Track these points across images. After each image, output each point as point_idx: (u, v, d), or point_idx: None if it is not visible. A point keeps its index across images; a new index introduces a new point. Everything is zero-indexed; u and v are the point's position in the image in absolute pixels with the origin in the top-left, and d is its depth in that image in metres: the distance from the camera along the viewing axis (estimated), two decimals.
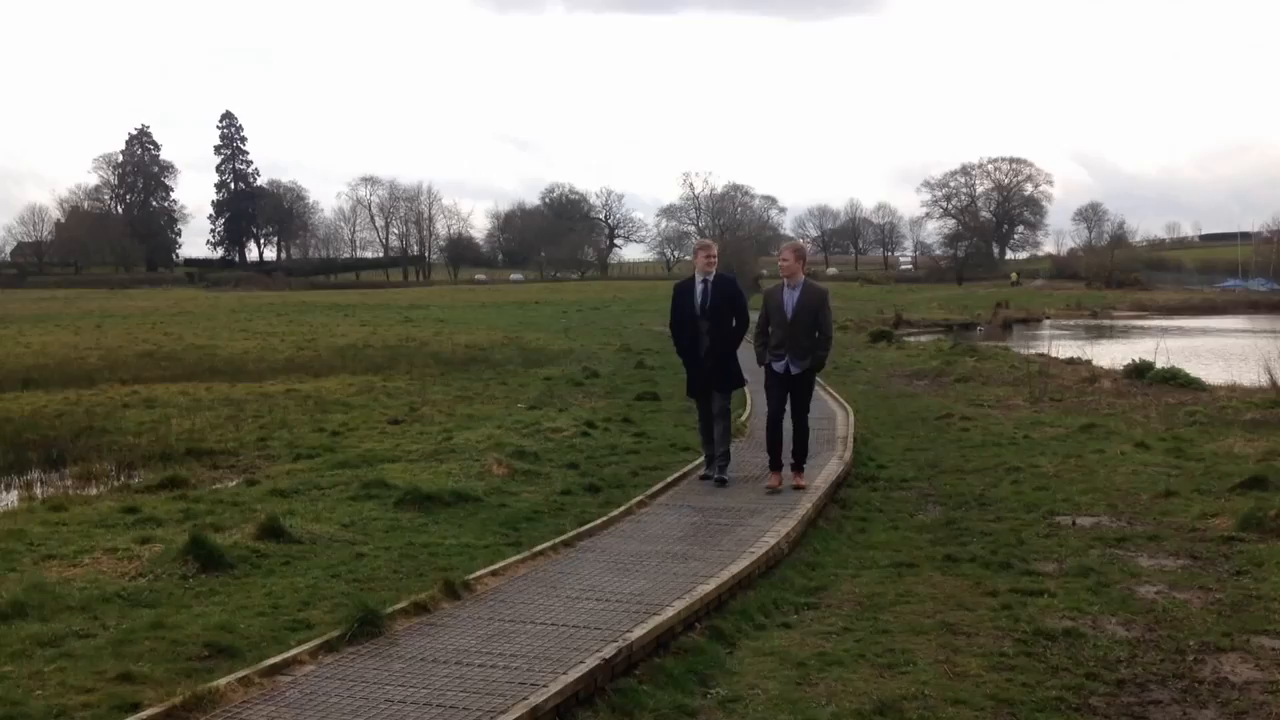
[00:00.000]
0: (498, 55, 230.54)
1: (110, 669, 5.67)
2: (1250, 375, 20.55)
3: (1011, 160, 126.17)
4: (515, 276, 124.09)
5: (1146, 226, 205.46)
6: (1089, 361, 25.56)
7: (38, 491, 12.00)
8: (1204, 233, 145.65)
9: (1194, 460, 11.71)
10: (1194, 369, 22.25)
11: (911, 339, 38.39)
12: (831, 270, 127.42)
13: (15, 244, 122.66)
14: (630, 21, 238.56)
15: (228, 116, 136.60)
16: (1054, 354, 28.25)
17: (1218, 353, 32.77)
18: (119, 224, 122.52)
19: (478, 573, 7.32)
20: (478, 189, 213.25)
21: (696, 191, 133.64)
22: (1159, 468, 11.37)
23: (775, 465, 10.04)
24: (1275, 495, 9.48)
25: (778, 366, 9.89)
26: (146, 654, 5.94)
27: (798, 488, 9.90)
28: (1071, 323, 56.07)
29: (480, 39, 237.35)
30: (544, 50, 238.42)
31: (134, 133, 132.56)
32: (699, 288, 10.19)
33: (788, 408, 10.04)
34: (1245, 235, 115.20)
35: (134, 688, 5.41)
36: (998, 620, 6.63)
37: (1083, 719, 5.13)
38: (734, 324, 10.20)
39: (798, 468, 10.13)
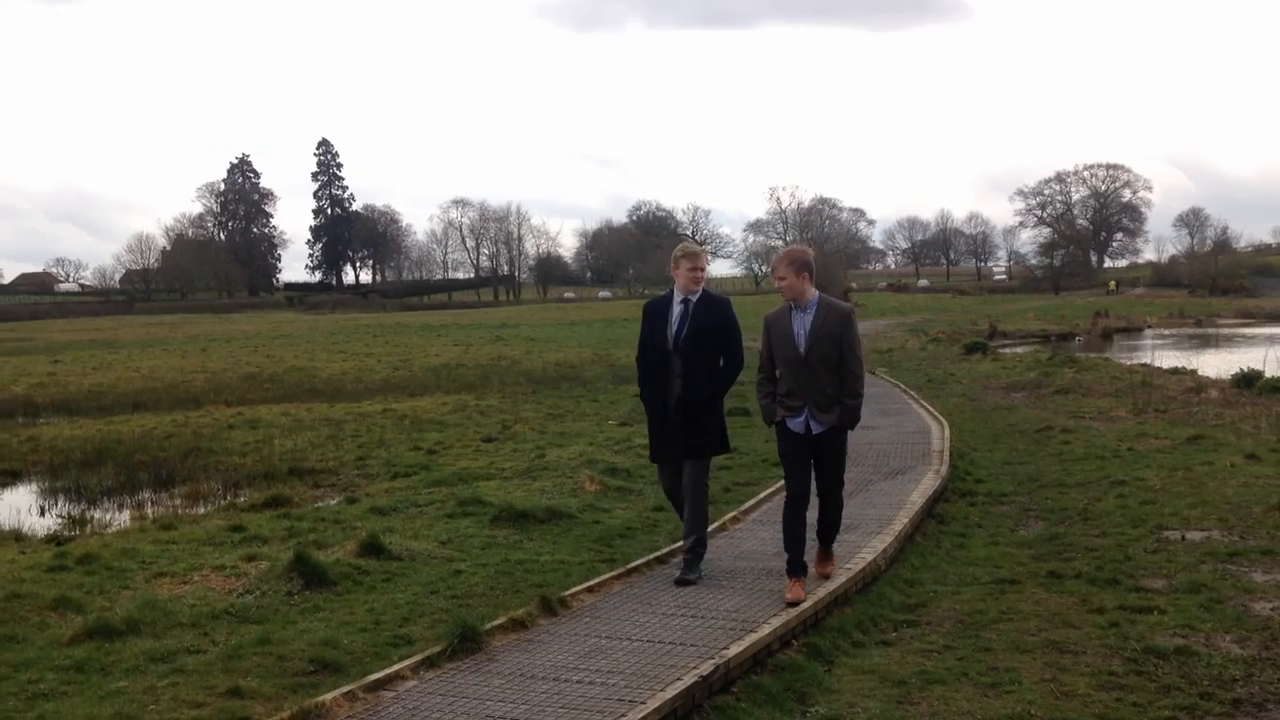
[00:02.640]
0: (581, 75, 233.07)
1: (220, 684, 5.82)
2: None
3: (1108, 166, 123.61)
4: (604, 294, 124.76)
5: (1251, 231, 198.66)
6: (1194, 371, 24.80)
7: (149, 511, 12.39)
8: None
9: None
10: None
11: (1007, 350, 37.62)
12: (923, 282, 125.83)
13: (124, 271, 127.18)
14: (710, 37, 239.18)
15: (324, 144, 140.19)
16: (1157, 364, 27.50)
17: None
18: (222, 250, 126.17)
19: (573, 589, 7.36)
20: (566, 208, 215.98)
21: (783, 205, 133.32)
22: (1271, 479, 10.97)
23: (797, 569, 7.09)
24: None
25: (794, 424, 7.08)
26: (254, 669, 6.08)
27: (824, 577, 7.39)
28: (1174, 331, 54.50)
29: (563, 59, 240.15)
30: (625, 68, 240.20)
31: (235, 161, 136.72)
32: (675, 310, 7.50)
33: (814, 484, 7.30)
34: None
35: (243, 702, 5.54)
36: (1105, 638, 6.45)
37: None
38: (720, 364, 7.55)
39: (825, 544, 7.51)
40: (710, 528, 8.33)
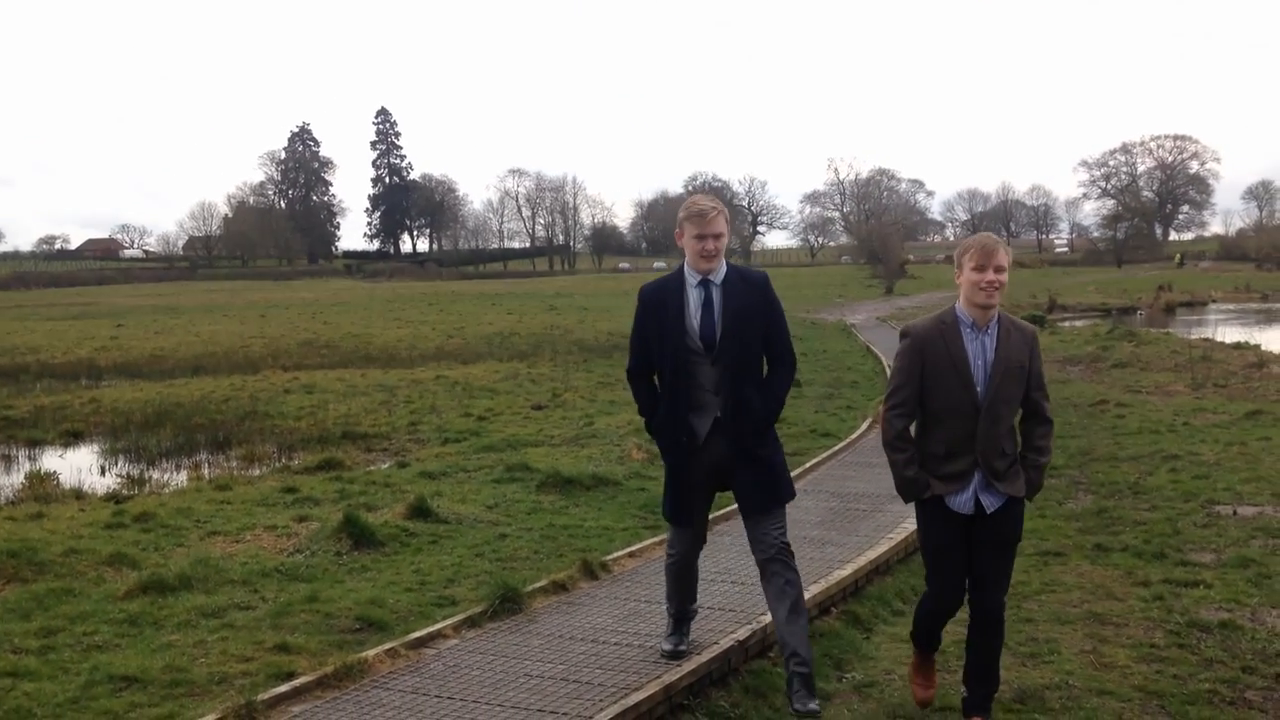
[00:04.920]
0: (641, 44, 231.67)
1: (268, 639, 5.97)
2: None
3: (1175, 137, 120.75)
4: (658, 265, 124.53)
5: None
6: (1257, 346, 24.28)
7: (205, 472, 12.67)
8: None
9: None
10: None
11: (1066, 324, 37.07)
12: None
13: (187, 238, 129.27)
14: (769, 3, 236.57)
15: (383, 113, 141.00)
16: (1219, 339, 26.96)
17: None
18: (282, 218, 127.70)
19: (615, 554, 7.43)
20: (622, 178, 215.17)
21: (841, 177, 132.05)
22: None
23: (927, 664, 5.23)
24: None
25: (958, 502, 4.74)
26: (302, 626, 6.22)
27: None
28: (1239, 306, 53.29)
29: (621, 28, 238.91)
30: (683, 37, 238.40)
31: (295, 130, 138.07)
32: (692, 295, 5.07)
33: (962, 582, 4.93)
34: None
35: (289, 657, 5.68)
36: (1149, 611, 6.40)
37: (1237, 713, 4.92)
38: (777, 370, 5.17)
39: (979, 710, 4.90)
40: None
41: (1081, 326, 35.26)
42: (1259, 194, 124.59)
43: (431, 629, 5.88)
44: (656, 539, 7.83)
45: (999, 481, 4.70)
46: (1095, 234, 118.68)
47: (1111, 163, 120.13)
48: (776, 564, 5.05)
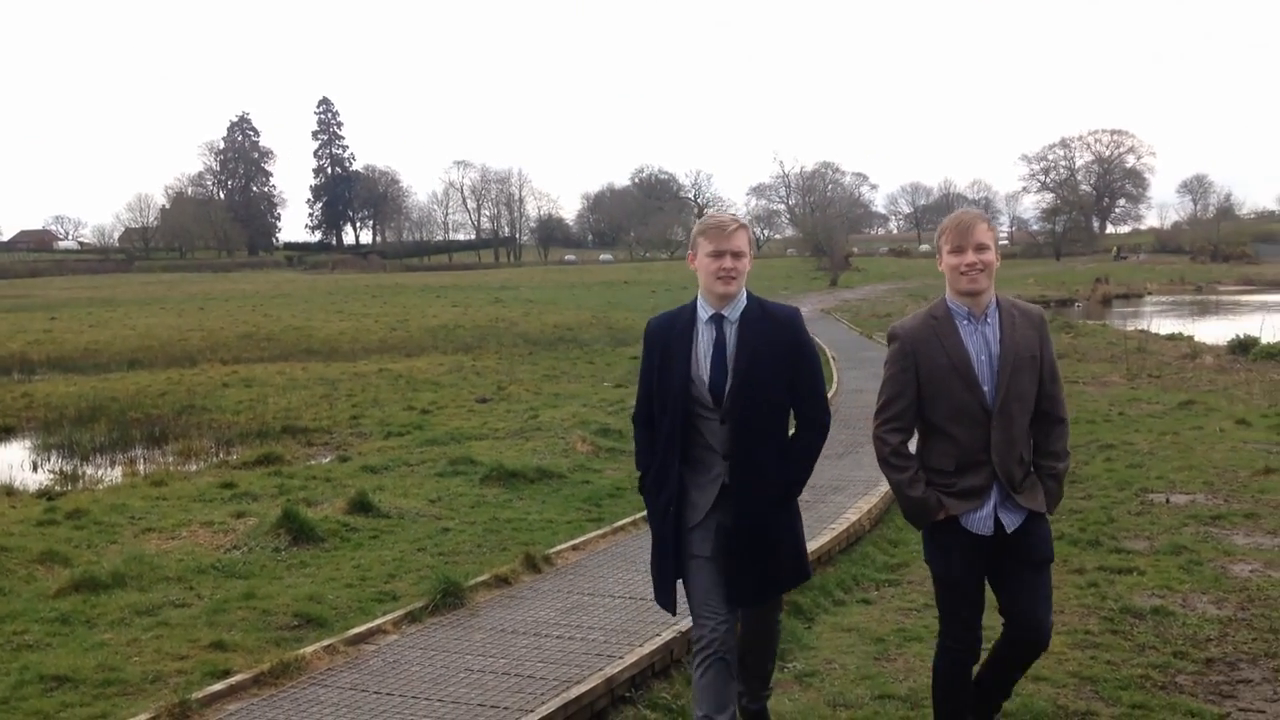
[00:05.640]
0: (587, 37, 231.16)
1: (204, 637, 5.87)
2: None
3: (1112, 132, 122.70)
4: (604, 257, 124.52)
5: (1255, 198, 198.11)
6: (1190, 338, 24.82)
7: (141, 467, 12.45)
8: None
9: None
10: None
11: None
12: (924, 247, 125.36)
13: (123, 230, 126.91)
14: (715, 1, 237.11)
15: (325, 103, 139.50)
16: (1154, 330, 27.50)
17: None
18: (221, 209, 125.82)
19: (558, 547, 7.41)
20: (568, 170, 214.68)
21: (786, 170, 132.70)
22: (1260, 445, 11.01)
23: None
24: None
25: (974, 521, 4.02)
26: (238, 623, 6.13)
27: None
28: (1174, 298, 54.43)
29: (568, 20, 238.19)
30: (633, 29, 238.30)
31: (235, 120, 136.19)
32: (703, 335, 4.11)
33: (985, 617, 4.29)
34: None
35: (225, 655, 5.59)
36: (1083, 598, 6.50)
37: (1168, 697, 5.01)
38: (805, 431, 4.25)
39: None
40: None
41: None
42: (1193, 188, 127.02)
43: (371, 625, 5.82)
44: (599, 532, 7.83)
45: (1017, 488, 4.00)
46: (1034, 227, 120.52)
47: (1050, 157, 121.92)
48: (757, 647, 4.30)
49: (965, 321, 4.00)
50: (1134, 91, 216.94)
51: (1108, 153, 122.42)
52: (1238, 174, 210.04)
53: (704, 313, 4.08)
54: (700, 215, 4.39)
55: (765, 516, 4.07)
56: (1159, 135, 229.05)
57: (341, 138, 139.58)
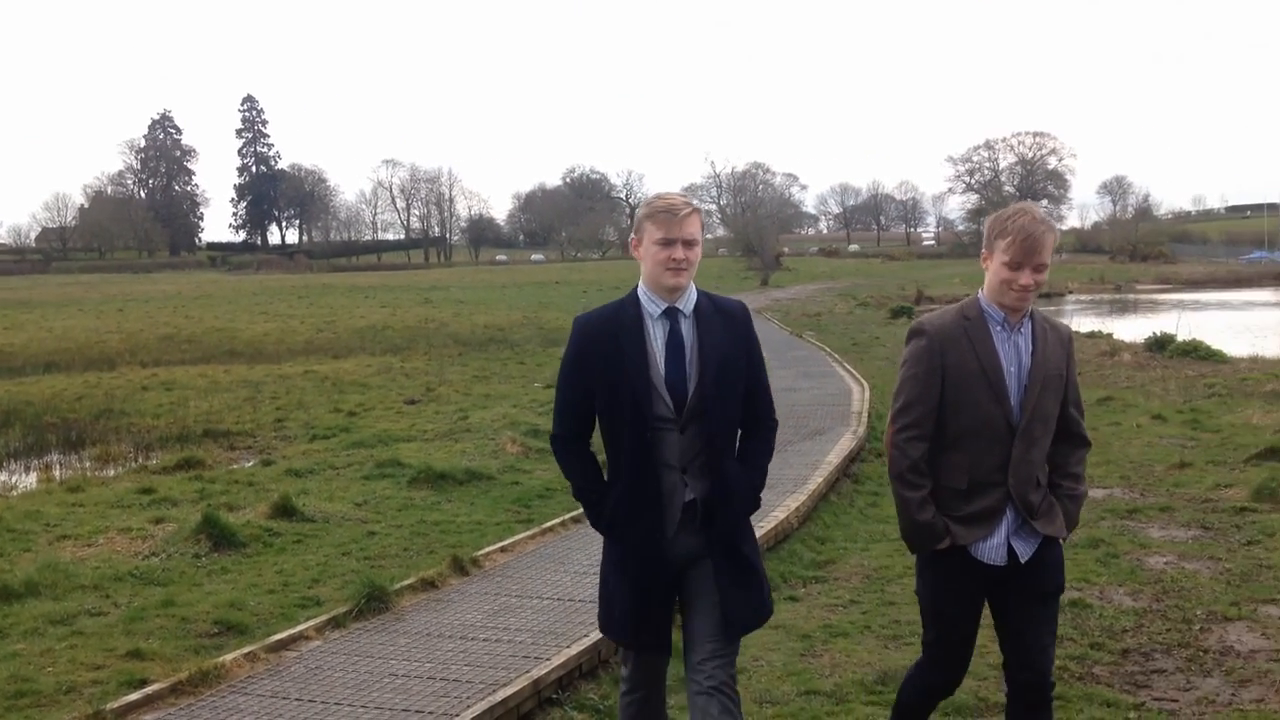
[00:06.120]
0: (516, 36, 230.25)
1: (120, 646, 5.73)
2: (1274, 347, 20.38)
3: (1035, 134, 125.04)
4: (536, 257, 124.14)
5: (1172, 199, 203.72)
6: (1110, 335, 25.40)
7: (56, 473, 12.13)
8: (1230, 204, 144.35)
9: (1211, 432, 11.64)
10: (1217, 342, 22.06)
11: None
12: (854, 247, 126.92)
13: (40, 229, 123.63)
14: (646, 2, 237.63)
15: (249, 100, 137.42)
16: (1075, 328, 28.09)
17: (1242, 326, 32.47)
18: (142, 209, 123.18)
19: (487, 549, 7.37)
20: (499, 170, 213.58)
21: (718, 170, 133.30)
22: (1175, 440, 11.31)
23: None
24: None
25: (985, 550, 3.69)
26: (156, 631, 6.00)
27: None
28: (1094, 297, 55.67)
29: (497, 19, 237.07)
30: (563, 30, 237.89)
31: (156, 118, 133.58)
32: (655, 331, 3.60)
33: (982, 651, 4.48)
34: (1273, 206, 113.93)
35: (143, 664, 5.47)
36: None
37: (1085, 688, 5.11)
38: (760, 432, 3.80)
39: None
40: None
41: None
42: (1113, 189, 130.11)
43: (293, 631, 5.73)
44: (528, 533, 7.79)
45: (1034, 519, 3.66)
46: (960, 227, 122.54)
47: (975, 158, 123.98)
48: (716, 705, 3.58)
49: (999, 327, 3.68)
50: (1056, 93, 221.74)
51: (1030, 154, 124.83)
52: (1155, 175, 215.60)
53: (653, 307, 3.57)
54: (632, 215, 3.86)
55: (739, 534, 3.62)
56: (1080, 137, 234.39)
57: (266, 136, 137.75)
